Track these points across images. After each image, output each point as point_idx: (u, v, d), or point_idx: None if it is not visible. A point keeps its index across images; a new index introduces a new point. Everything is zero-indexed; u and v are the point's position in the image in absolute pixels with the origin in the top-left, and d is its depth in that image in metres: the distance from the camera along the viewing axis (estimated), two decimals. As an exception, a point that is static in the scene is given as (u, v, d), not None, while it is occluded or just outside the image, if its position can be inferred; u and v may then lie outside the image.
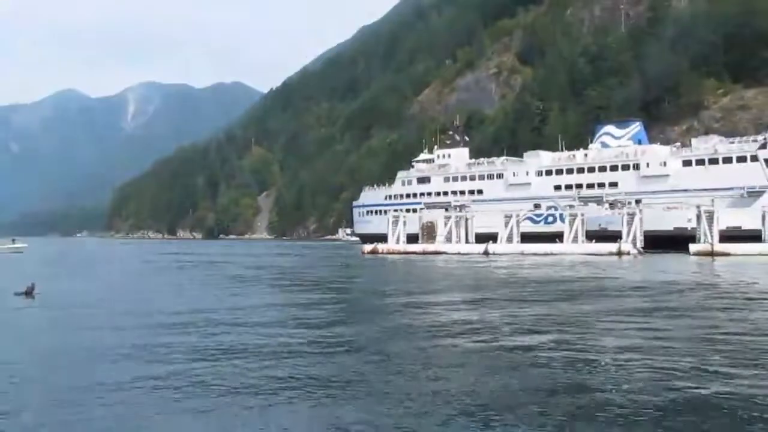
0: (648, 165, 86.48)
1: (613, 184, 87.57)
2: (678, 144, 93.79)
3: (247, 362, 14.08)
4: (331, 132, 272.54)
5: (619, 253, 64.44)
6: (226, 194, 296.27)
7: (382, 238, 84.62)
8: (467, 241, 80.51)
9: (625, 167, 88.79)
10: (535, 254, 67.64)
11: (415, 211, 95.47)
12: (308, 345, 16.20)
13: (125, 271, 57.56)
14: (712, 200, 69.52)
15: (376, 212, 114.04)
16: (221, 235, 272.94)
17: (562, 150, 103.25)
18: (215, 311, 23.45)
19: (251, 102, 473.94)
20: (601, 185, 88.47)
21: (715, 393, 11.27)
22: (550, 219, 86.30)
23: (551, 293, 29.86)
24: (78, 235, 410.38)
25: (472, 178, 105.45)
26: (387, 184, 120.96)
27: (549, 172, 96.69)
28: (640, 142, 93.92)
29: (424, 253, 76.28)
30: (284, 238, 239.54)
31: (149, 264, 67.69)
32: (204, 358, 14.58)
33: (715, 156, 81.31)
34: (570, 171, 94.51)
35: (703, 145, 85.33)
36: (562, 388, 11.77)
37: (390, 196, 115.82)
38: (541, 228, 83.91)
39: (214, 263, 66.04)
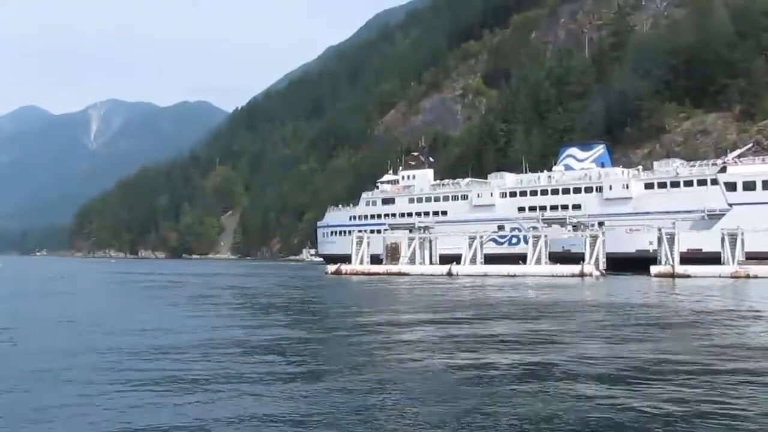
0: (611, 188, 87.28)
1: (577, 207, 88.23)
2: (640, 167, 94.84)
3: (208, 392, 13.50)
4: (296, 152, 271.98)
5: (582, 275, 64.63)
6: (189, 214, 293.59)
7: (346, 258, 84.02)
8: (431, 263, 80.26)
9: (589, 190, 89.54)
10: (498, 276, 67.62)
11: (379, 232, 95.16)
12: (267, 371, 15.65)
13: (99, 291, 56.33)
14: (674, 223, 70.27)
15: (340, 233, 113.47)
16: (184, 255, 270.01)
17: (526, 172, 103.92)
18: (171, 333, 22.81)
19: (216, 121, 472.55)
20: (564, 207, 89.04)
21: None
22: (514, 240, 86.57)
23: (515, 316, 29.58)
24: (37, 253, 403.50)
25: (437, 200, 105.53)
26: (351, 205, 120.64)
27: (513, 194, 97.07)
28: (603, 165, 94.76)
29: (388, 274, 75.89)
30: (248, 258, 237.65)
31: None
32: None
33: (676, 179, 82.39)
34: (534, 193, 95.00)
35: (665, 169, 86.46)
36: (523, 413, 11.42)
37: (354, 217, 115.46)
38: (505, 249, 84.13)
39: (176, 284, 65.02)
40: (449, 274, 71.62)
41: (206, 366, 16.09)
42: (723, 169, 76.34)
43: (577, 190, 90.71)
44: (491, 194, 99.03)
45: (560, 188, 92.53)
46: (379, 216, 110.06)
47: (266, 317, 30.22)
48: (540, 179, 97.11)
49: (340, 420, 11.06)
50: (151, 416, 11.38)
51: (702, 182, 79.53)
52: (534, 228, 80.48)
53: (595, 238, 70.59)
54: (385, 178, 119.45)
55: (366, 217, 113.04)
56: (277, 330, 24.40)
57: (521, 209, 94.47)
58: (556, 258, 72.85)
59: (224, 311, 32.96)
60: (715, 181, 75.99)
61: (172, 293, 48.83)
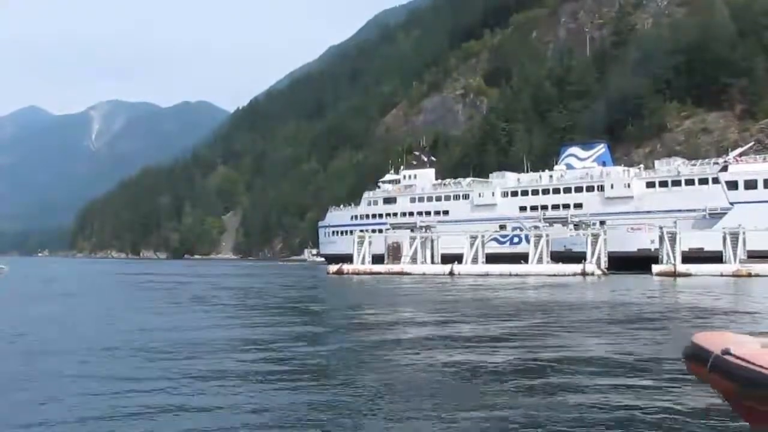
0: (612, 186, 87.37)
1: (578, 206, 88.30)
2: (641, 166, 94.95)
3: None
4: (298, 152, 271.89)
5: (584, 274, 64.68)
6: (191, 214, 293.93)
7: (348, 258, 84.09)
8: (433, 262, 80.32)
9: (590, 189, 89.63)
10: (500, 275, 67.63)
11: (380, 231, 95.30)
12: (269, 373, 15.71)
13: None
14: (675, 222, 70.31)
15: (341, 232, 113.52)
16: (186, 255, 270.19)
17: (527, 171, 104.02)
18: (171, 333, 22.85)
19: (217, 121, 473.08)
20: (566, 206, 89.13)
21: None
22: (516, 240, 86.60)
23: (519, 318, 29.62)
24: (39, 254, 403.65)
25: (438, 199, 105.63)
26: (353, 205, 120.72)
27: (514, 193, 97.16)
28: (604, 164, 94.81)
29: (389, 273, 75.94)
30: (250, 258, 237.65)
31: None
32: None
33: (677, 178, 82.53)
34: (535, 192, 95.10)
35: (666, 168, 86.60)
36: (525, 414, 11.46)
37: (356, 217, 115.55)
38: (507, 249, 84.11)
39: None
40: (451, 273, 71.65)
41: (203, 369, 16.14)
42: (724, 168, 76.34)
43: (578, 189, 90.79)
44: (492, 194, 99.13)
45: (561, 187, 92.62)
46: (380, 216, 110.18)
47: (266, 318, 30.26)
48: (541, 178, 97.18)
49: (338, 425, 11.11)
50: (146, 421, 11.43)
51: (703, 181, 79.67)
52: (535, 227, 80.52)
53: (596, 237, 70.66)
54: (387, 177, 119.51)
55: (367, 216, 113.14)
56: (276, 331, 24.45)
57: (523, 208, 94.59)
58: (558, 257, 72.88)
59: (224, 312, 32.97)
60: (716, 180, 76.03)
61: (175, 294, 48.92)
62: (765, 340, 7.34)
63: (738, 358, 6.76)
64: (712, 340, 7.41)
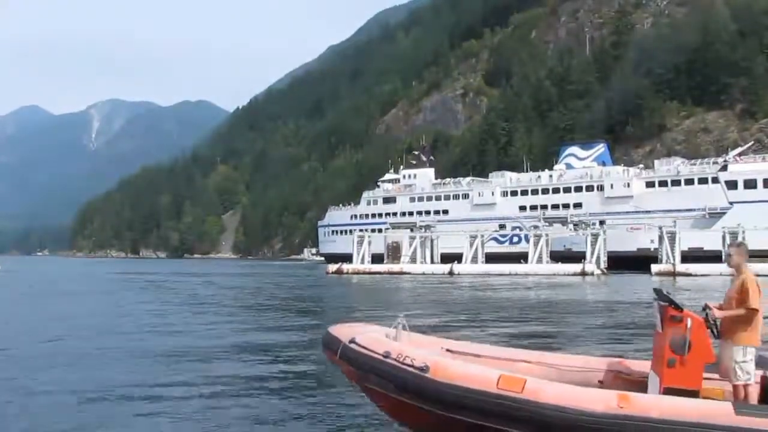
0: (612, 186, 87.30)
1: (578, 205, 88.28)
2: (641, 166, 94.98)
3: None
4: (298, 151, 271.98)
5: (583, 274, 64.61)
6: (190, 213, 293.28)
7: (348, 257, 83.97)
8: (432, 262, 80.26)
9: (590, 188, 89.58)
10: (499, 275, 67.54)
11: (380, 231, 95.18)
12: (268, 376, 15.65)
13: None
14: (675, 221, 70.31)
15: (341, 232, 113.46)
16: (185, 255, 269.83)
17: (527, 171, 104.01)
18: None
19: (216, 120, 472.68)
20: (565, 206, 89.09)
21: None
22: (515, 239, 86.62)
23: (521, 317, 29.61)
24: (38, 253, 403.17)
25: (438, 199, 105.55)
26: (352, 204, 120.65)
27: (514, 193, 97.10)
28: (604, 164, 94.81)
29: (389, 273, 75.79)
30: (249, 257, 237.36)
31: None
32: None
33: (677, 178, 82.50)
34: (535, 192, 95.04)
35: (666, 167, 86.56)
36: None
37: (355, 216, 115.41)
38: (506, 248, 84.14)
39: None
40: (450, 273, 71.54)
41: (194, 372, 16.09)
42: (724, 168, 76.30)
43: (578, 189, 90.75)
44: (492, 193, 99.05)
45: (561, 187, 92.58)
46: (380, 215, 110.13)
47: (265, 319, 30.22)
48: (541, 178, 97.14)
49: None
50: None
51: (703, 180, 79.63)
52: (535, 227, 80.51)
53: (596, 236, 70.61)
54: (387, 177, 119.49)
55: (367, 216, 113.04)
56: (274, 331, 24.40)
57: (522, 208, 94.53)
58: (558, 257, 72.87)
59: (221, 312, 32.90)
60: (716, 180, 75.97)
61: (171, 294, 48.88)
62: (390, 330, 8.10)
63: (360, 346, 7.53)
64: (344, 330, 8.19)
